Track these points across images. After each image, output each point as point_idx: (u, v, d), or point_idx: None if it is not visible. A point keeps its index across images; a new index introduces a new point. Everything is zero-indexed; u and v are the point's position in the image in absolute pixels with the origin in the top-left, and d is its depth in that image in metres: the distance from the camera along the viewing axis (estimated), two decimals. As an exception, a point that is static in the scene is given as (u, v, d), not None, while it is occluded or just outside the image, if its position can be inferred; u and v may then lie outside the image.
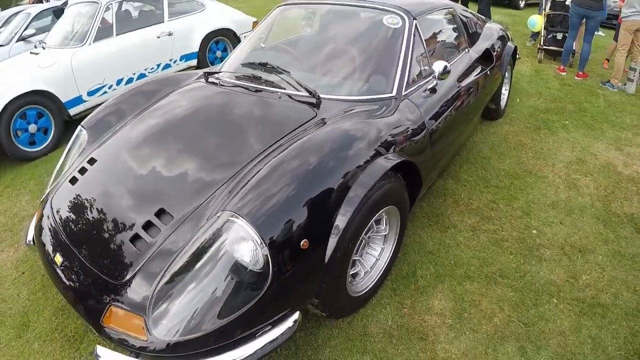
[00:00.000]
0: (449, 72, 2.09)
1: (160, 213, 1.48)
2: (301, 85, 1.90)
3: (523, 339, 1.68)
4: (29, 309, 1.93)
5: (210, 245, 1.28)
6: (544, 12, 5.20)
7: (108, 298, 1.35)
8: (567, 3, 4.92)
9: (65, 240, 1.58)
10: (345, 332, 1.71)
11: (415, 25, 2.19)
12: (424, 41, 2.25)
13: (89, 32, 3.79)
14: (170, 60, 4.43)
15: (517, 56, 3.80)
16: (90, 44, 3.76)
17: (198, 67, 4.62)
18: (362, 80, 2.08)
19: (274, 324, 1.30)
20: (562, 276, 1.99)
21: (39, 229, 1.73)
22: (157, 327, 1.23)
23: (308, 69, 2.27)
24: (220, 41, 4.94)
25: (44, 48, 3.85)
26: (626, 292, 1.90)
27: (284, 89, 1.97)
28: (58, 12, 5.72)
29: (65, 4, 5.79)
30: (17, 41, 5.48)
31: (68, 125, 3.76)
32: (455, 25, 2.76)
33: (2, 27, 6.39)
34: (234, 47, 4.96)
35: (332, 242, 1.38)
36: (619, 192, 2.62)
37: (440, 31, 2.64)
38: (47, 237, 1.67)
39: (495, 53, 2.96)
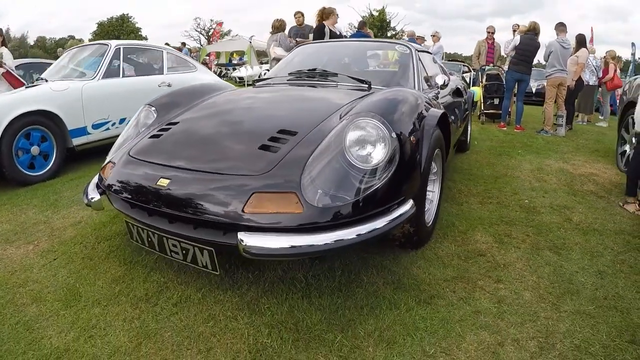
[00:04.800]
0: (447, 85, 3.01)
1: (281, 132, 1.83)
2: (353, 78, 2.61)
3: (554, 248, 2.30)
4: (74, 284, 1.95)
5: (346, 136, 1.69)
6: (480, 84, 6.89)
7: (249, 188, 1.54)
8: (499, 71, 6.61)
9: (172, 164, 1.78)
10: (422, 257, 2.16)
11: (417, 54, 3.14)
12: (424, 65, 3.19)
13: (99, 68, 4.20)
14: (166, 109, 4.96)
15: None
16: (99, 79, 4.15)
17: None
18: (396, 79, 2.89)
19: (399, 205, 1.70)
20: (560, 219, 2.71)
21: (116, 177, 1.90)
22: (312, 197, 1.50)
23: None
24: (209, 99, 5.65)
25: (46, 81, 4.05)
26: (609, 223, 2.67)
27: (338, 82, 2.66)
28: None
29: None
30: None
31: (68, 157, 3.92)
32: (437, 65, 3.84)
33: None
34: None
35: (423, 155, 1.94)
36: (576, 181, 3.59)
37: (429, 64, 3.67)
38: (134, 175, 1.85)
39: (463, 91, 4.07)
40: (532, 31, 5.84)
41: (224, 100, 2.47)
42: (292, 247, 1.42)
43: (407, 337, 1.55)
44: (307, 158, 1.65)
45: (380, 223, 1.58)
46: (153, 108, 2.44)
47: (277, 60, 6.70)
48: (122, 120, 4.36)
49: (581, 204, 3.01)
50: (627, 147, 3.83)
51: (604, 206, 2.98)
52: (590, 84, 7.01)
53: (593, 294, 1.88)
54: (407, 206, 1.74)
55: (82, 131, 3.99)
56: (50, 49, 49.71)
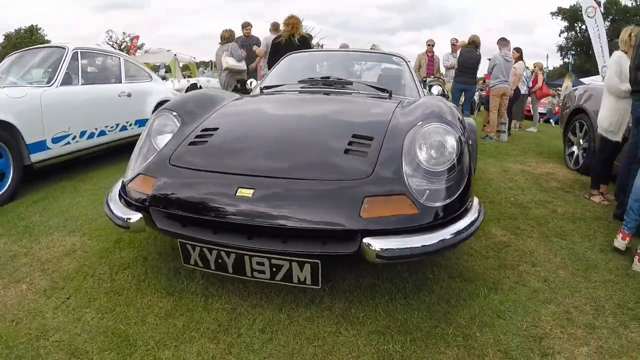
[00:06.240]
0: (442, 94, 3.34)
1: (356, 137, 1.88)
2: (374, 87, 2.80)
3: (558, 235, 2.72)
4: (115, 326, 1.66)
5: (420, 140, 1.80)
6: (425, 95, 7.54)
7: (358, 193, 1.57)
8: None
9: (247, 173, 1.72)
10: (464, 252, 2.38)
11: (409, 65, 3.45)
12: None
13: (57, 74, 3.78)
14: (127, 122, 4.61)
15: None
16: (57, 86, 3.73)
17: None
18: (401, 89, 3.12)
19: (472, 202, 1.83)
20: (547, 212, 3.18)
21: (164, 190, 1.76)
22: (420, 197, 1.59)
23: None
24: (165, 112, 5.40)
25: None
26: (587, 212, 3.21)
27: (355, 91, 2.81)
28: None
29: None
30: None
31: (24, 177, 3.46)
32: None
33: None
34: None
35: (474, 156, 2.16)
36: (541, 180, 4.19)
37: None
38: (195, 185, 1.75)
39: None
40: (472, 44, 6.63)
41: (256, 105, 2.48)
42: (424, 246, 1.51)
43: (498, 319, 1.75)
44: (400, 162, 1.73)
45: (467, 221, 1.70)
46: (174, 113, 2.23)
47: (229, 70, 6.66)
48: (82, 134, 3.97)
49: (556, 199, 3.53)
50: (574, 149, 4.56)
51: (575, 199, 3.54)
52: (522, 92, 8.07)
53: (607, 266, 2.30)
54: (476, 202, 1.88)
55: (42, 145, 3.53)
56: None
